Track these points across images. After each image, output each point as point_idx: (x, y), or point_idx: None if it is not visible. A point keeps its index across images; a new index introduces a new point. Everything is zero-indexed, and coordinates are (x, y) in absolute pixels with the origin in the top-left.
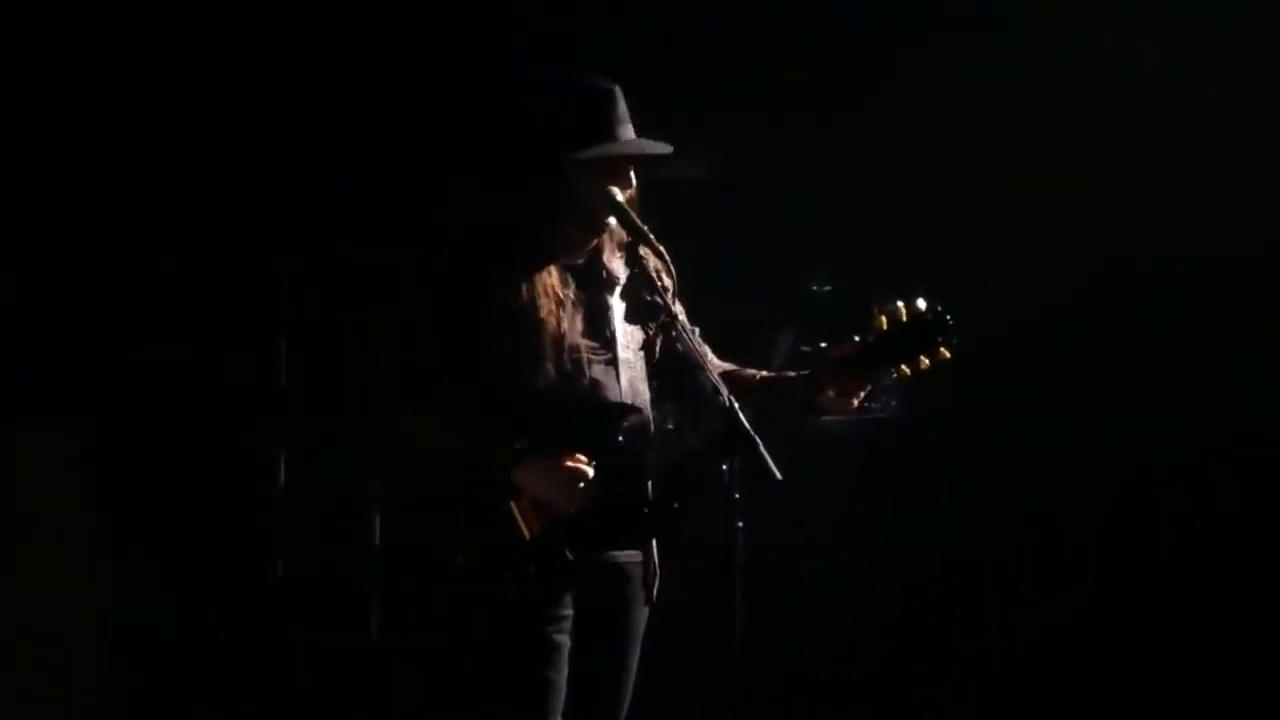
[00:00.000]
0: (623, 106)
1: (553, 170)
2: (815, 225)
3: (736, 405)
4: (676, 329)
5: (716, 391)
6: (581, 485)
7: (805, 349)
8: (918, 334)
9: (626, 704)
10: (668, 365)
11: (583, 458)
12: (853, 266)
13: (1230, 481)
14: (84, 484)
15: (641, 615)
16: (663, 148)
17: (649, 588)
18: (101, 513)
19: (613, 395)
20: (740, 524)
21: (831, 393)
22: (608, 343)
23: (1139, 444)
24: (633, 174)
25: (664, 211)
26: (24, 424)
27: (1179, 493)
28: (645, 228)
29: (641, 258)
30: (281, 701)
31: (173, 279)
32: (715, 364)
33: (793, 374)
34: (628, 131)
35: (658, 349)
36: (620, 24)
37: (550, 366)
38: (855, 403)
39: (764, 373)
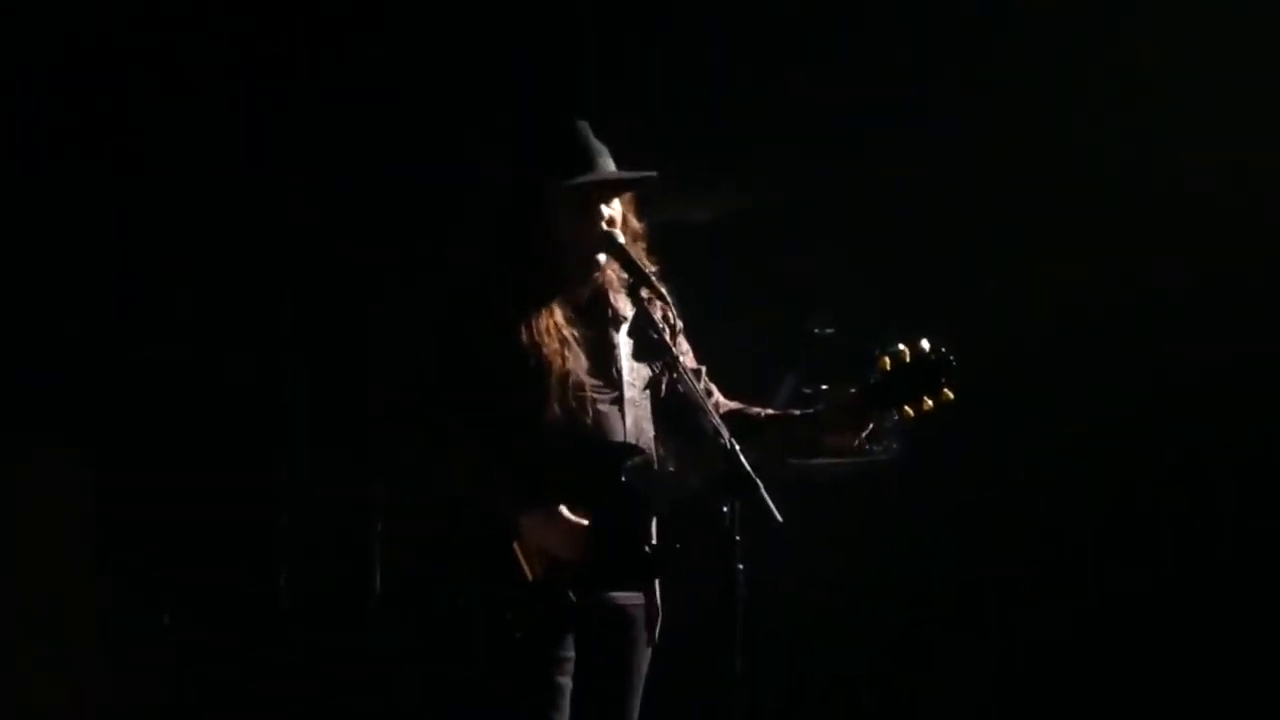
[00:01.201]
0: (594, 140)
1: (540, 202)
2: (816, 264)
3: (738, 448)
4: (678, 370)
5: (718, 434)
6: (582, 539)
7: (807, 391)
8: (920, 375)
9: None
10: (671, 405)
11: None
12: (853, 304)
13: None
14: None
15: (644, 656)
16: (642, 175)
17: (651, 628)
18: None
19: (617, 434)
20: (741, 566)
21: (834, 432)
22: (613, 381)
23: (1140, 482)
24: (618, 204)
25: (668, 251)
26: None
27: (1186, 526)
28: (646, 269)
29: (644, 297)
30: None
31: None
32: (722, 403)
33: (797, 413)
34: (607, 163)
35: (663, 387)
36: (621, 68)
37: (555, 405)
38: (857, 442)
39: (769, 411)
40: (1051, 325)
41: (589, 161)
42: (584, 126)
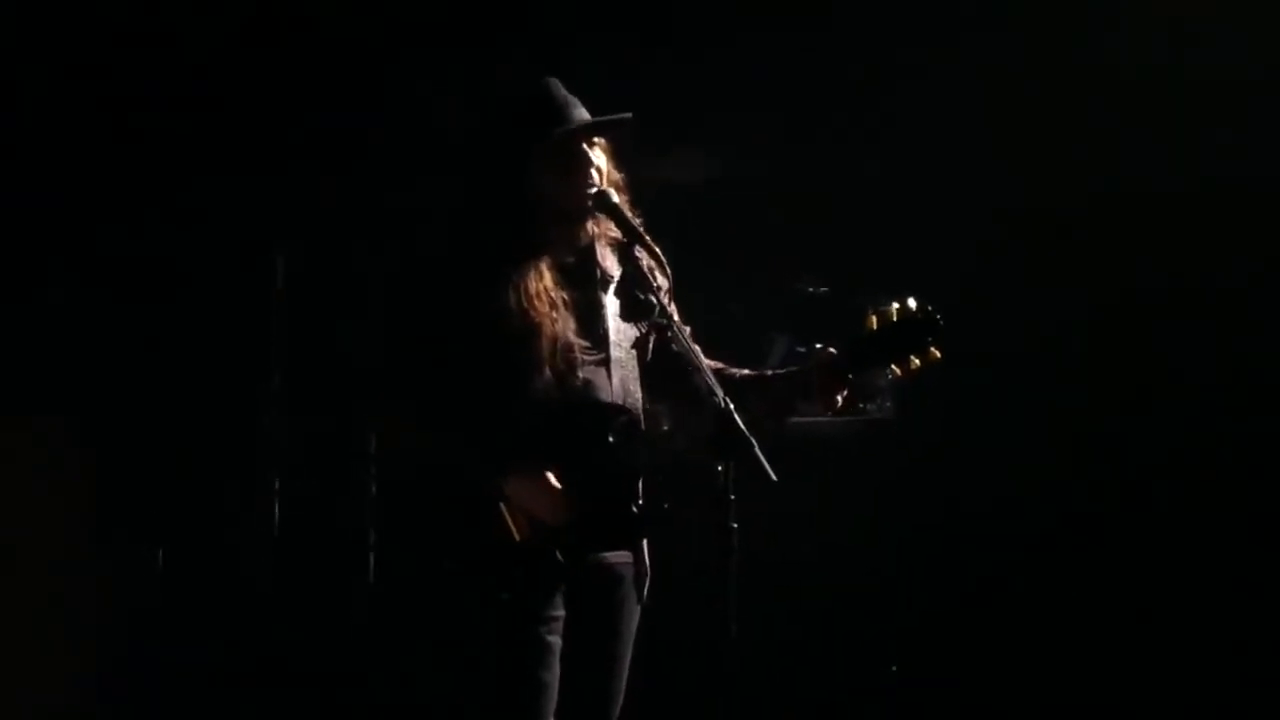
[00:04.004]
0: (563, 91)
1: (525, 163)
2: (810, 226)
3: (732, 407)
4: (672, 329)
5: (711, 393)
6: (566, 505)
7: (800, 350)
8: (908, 334)
9: (619, 704)
10: (660, 364)
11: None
12: (848, 267)
13: (1216, 474)
14: (70, 477)
15: (633, 615)
16: (618, 117)
17: (640, 588)
18: (89, 507)
19: (604, 395)
20: (734, 525)
21: (819, 392)
22: (600, 342)
23: (1132, 443)
24: (602, 155)
25: (661, 211)
26: (11, 419)
27: (1174, 492)
28: (639, 226)
29: (635, 256)
30: (274, 700)
31: (163, 268)
32: (703, 362)
33: (776, 372)
34: (581, 112)
35: (650, 348)
36: (616, 27)
37: (546, 369)
38: (839, 403)
39: (748, 371)
40: (1043, 284)
41: (563, 114)
42: (554, 82)
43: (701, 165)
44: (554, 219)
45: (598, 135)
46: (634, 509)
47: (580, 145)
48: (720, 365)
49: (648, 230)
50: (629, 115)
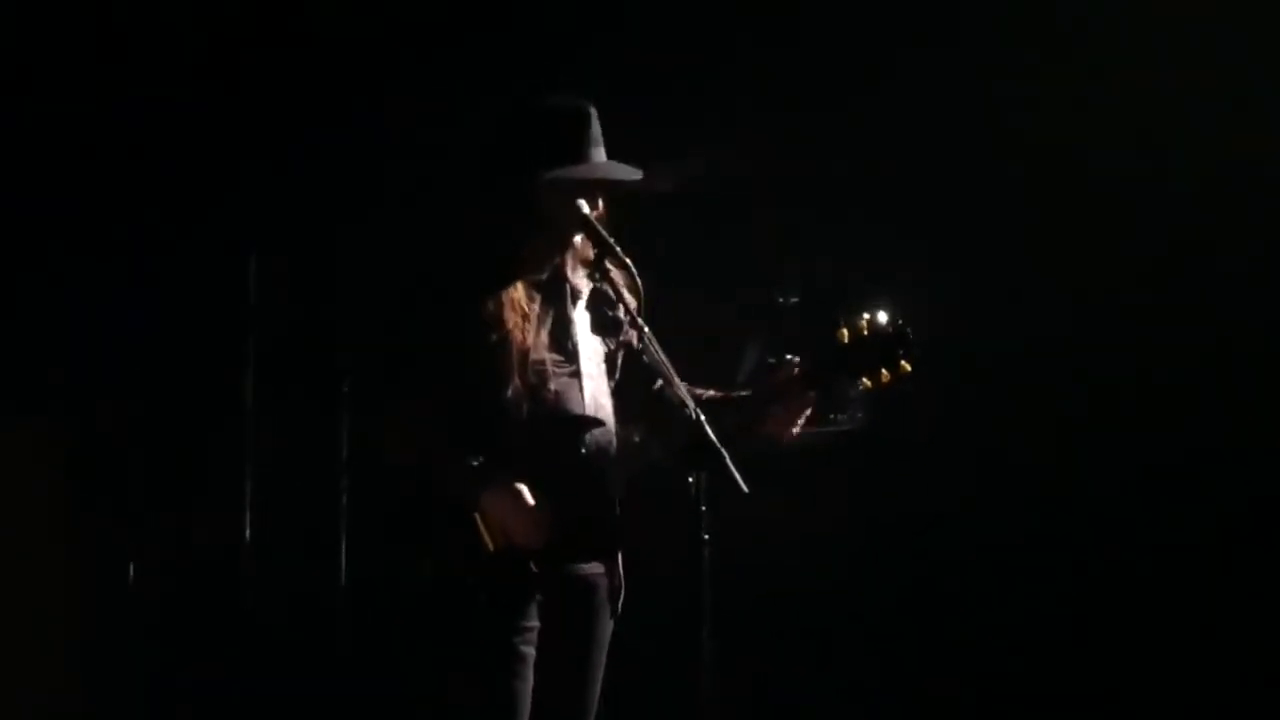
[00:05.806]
0: (596, 128)
1: (522, 188)
2: (783, 236)
3: (703, 418)
4: (643, 342)
5: (683, 405)
6: (540, 519)
7: (771, 361)
8: (878, 348)
9: (592, 715)
10: (630, 379)
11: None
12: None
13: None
14: (50, 480)
15: (606, 626)
16: (631, 172)
17: (613, 599)
18: (69, 510)
19: (575, 408)
20: (707, 537)
21: (785, 409)
22: (571, 355)
23: (1109, 447)
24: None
25: (632, 221)
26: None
27: (1156, 497)
28: (613, 242)
29: (606, 272)
30: (247, 705)
31: (137, 272)
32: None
33: (741, 394)
34: (599, 154)
35: (618, 363)
36: (590, 32)
37: (517, 379)
38: (798, 426)
39: (711, 392)
40: (1020, 292)
41: (583, 152)
42: (587, 111)
43: (675, 176)
44: (539, 238)
45: (612, 189)
46: (607, 521)
47: (581, 189)
48: (688, 386)
49: (621, 244)
50: (639, 174)
